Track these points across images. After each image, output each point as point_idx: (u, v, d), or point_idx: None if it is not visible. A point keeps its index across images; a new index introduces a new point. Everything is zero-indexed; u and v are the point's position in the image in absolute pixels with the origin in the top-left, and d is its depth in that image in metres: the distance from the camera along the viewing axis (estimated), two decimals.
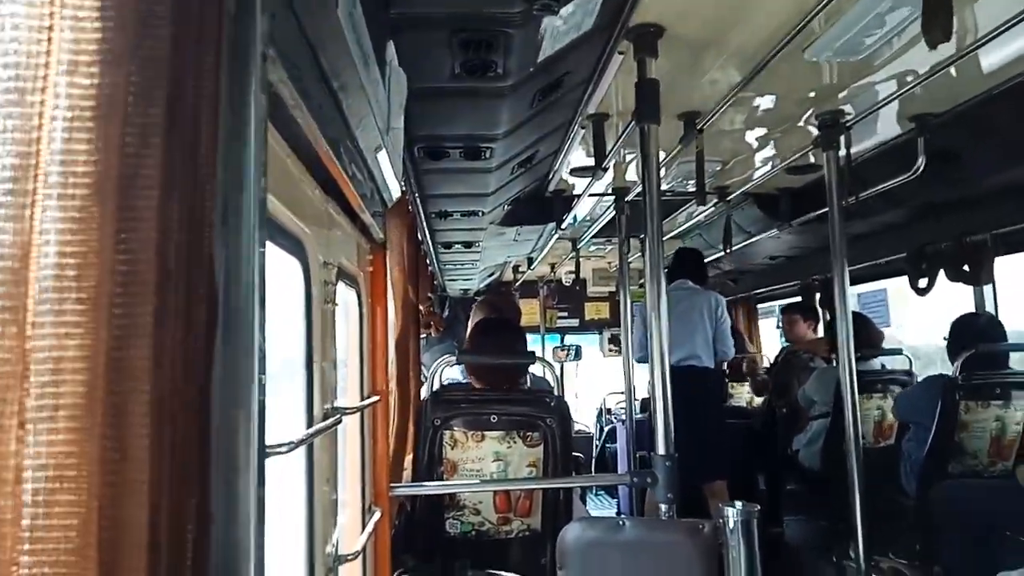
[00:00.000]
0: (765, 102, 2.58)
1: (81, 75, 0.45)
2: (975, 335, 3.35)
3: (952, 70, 2.20)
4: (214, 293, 0.59)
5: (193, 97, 0.52)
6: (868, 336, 4.03)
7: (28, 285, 0.44)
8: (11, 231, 0.43)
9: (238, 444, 0.72)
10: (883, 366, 4.17)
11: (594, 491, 6.73)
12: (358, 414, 1.76)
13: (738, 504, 1.57)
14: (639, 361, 4.07)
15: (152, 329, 0.48)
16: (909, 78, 2.30)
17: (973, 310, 3.74)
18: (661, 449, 1.87)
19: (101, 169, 0.46)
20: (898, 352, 4.19)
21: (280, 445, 0.97)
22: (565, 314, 7.74)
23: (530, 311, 7.34)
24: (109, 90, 0.46)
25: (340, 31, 1.02)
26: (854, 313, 3.98)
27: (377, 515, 1.78)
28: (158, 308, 0.49)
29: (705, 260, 5.25)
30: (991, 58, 2.16)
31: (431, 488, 2.30)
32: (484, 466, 2.31)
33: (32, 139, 0.44)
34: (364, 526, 1.72)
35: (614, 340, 7.16)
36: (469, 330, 3.34)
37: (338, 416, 1.40)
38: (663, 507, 1.84)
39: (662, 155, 2.90)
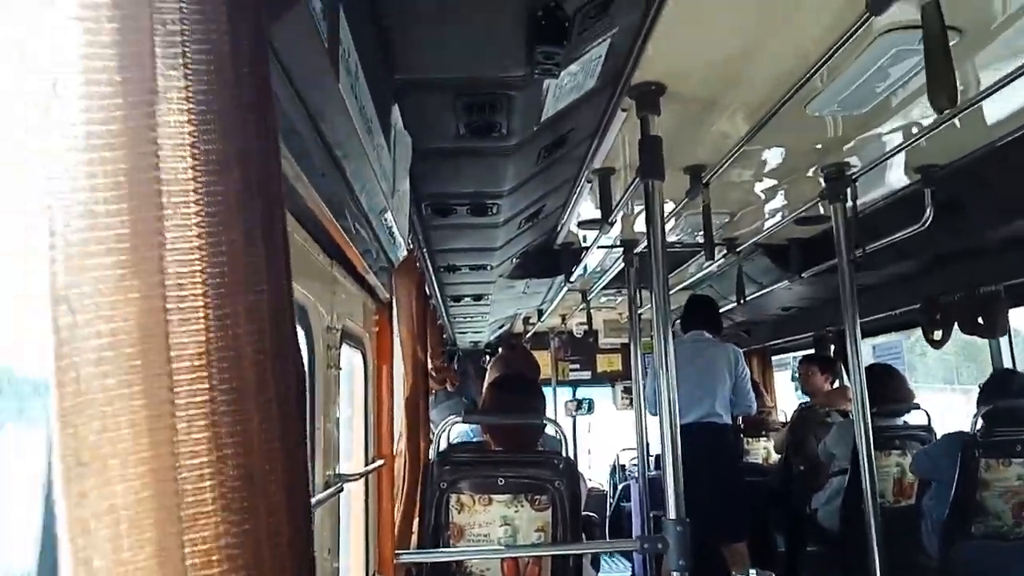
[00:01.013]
0: (770, 155, 2.59)
1: (210, 183, 0.48)
2: (1002, 391, 3.27)
3: (956, 122, 2.20)
4: (299, 373, 0.62)
5: (268, 196, 0.54)
6: (898, 390, 3.90)
7: (210, 380, 0.47)
8: (189, 332, 0.46)
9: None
10: (904, 422, 4.05)
11: (609, 553, 6.55)
12: (362, 479, 1.72)
13: (753, 572, 1.52)
14: (652, 414, 3.98)
15: (277, 410, 0.51)
16: (914, 130, 2.30)
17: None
18: (672, 513, 1.82)
19: (230, 269, 0.49)
20: (916, 407, 4.07)
21: None
22: (577, 366, 7.67)
23: (541, 363, 7.28)
24: (226, 197, 0.49)
25: (341, 102, 1.03)
26: (881, 365, 3.92)
27: None
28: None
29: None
30: (996, 110, 2.17)
31: (438, 555, 2.24)
32: (491, 531, 2.25)
33: (193, 247, 0.47)
34: None
35: (627, 392, 7.07)
36: (486, 387, 3.29)
37: (340, 484, 1.37)
38: (675, 575, 1.77)
39: (669, 207, 2.91)
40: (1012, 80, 1.85)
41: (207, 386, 0.46)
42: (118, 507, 0.43)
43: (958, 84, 1.94)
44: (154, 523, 0.44)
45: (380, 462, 1.78)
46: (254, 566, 0.46)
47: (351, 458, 1.76)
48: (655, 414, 3.92)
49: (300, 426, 0.54)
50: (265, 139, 0.53)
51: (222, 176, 0.48)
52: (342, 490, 1.39)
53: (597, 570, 3.55)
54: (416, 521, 2.39)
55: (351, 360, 1.84)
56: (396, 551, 1.86)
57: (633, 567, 5.45)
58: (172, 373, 0.45)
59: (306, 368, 1.33)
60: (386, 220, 1.54)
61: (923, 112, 2.16)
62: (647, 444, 4.04)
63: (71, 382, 0.43)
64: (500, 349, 5.99)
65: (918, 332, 3.83)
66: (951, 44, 1.68)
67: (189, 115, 0.47)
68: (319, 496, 1.27)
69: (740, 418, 5.56)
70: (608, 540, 5.81)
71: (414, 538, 2.43)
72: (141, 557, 0.43)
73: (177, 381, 0.45)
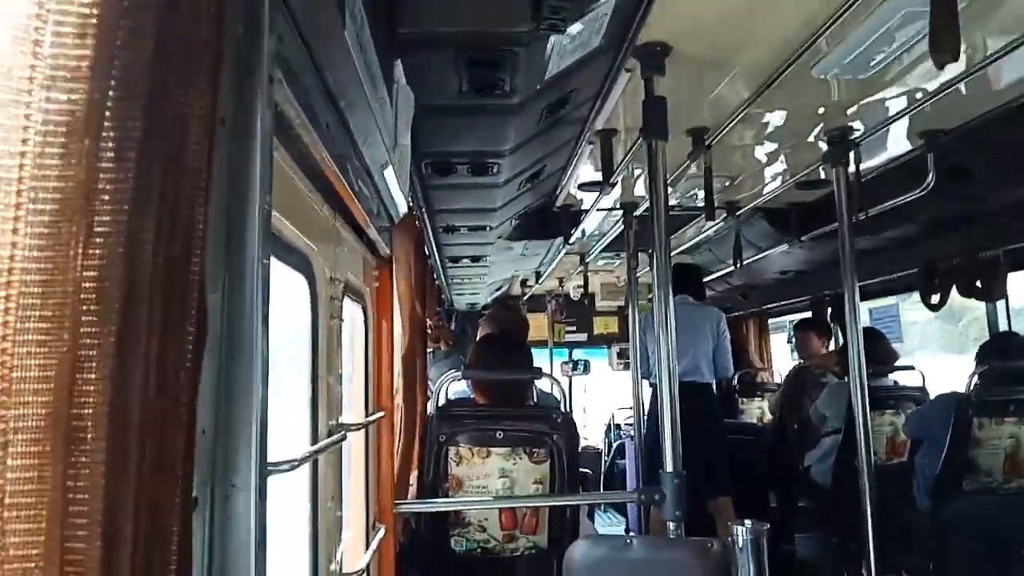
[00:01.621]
0: (773, 118, 2.58)
1: (60, 90, 0.45)
2: (1000, 353, 3.32)
3: (962, 87, 2.19)
4: (202, 309, 0.59)
5: (176, 114, 0.52)
6: (882, 352, 4.00)
7: (8, 302, 0.43)
8: None
9: (238, 462, 0.72)
10: (896, 382, 4.13)
11: (603, 508, 6.68)
12: (363, 430, 1.76)
13: (747, 522, 1.56)
14: (644, 376, 4.06)
15: (115, 348, 0.47)
16: (918, 95, 2.29)
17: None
18: (669, 466, 1.86)
19: (74, 184, 0.45)
20: (910, 368, 4.15)
21: (283, 463, 0.96)
22: (573, 328, 7.71)
23: (538, 325, 7.32)
24: (84, 106, 0.45)
25: (347, 52, 1.02)
26: (868, 329, 3.97)
27: (382, 532, 1.77)
28: (122, 327, 0.48)
29: (715, 275, 5.25)
30: (1001, 75, 2.15)
31: (436, 505, 2.29)
32: (490, 483, 2.30)
33: (15, 152, 0.43)
34: (368, 543, 1.72)
35: (623, 355, 7.13)
36: (474, 345, 3.33)
37: (343, 432, 1.40)
38: (671, 525, 1.82)
39: (670, 170, 2.90)
40: (1017, 45, 1.84)
41: (2, 307, 0.43)
42: None
43: (965, 48, 1.95)
44: None
45: (380, 414, 1.82)
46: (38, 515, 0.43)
47: (352, 411, 1.79)
48: (647, 376, 4.01)
49: (193, 375, 0.52)
50: (188, 54, 0.50)
51: (74, 84, 0.45)
52: (344, 438, 1.42)
53: (592, 523, 3.63)
54: (415, 474, 2.43)
55: (352, 315, 1.86)
56: (395, 501, 1.90)
57: (627, 521, 5.57)
58: None
59: (309, 318, 1.35)
60: (387, 176, 1.54)
61: (928, 76, 2.15)
62: (643, 403, 4.11)
63: None
64: (491, 309, 6.01)
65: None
66: (960, 7, 1.68)
67: (41, 9, 0.43)
68: (323, 443, 1.29)
69: (735, 379, 5.67)
70: (605, 492, 5.91)
71: (412, 491, 2.48)
72: None
73: None
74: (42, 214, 0.43)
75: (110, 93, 0.47)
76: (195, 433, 0.58)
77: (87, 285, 0.46)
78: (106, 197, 0.46)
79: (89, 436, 0.45)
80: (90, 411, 0.46)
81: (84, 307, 0.45)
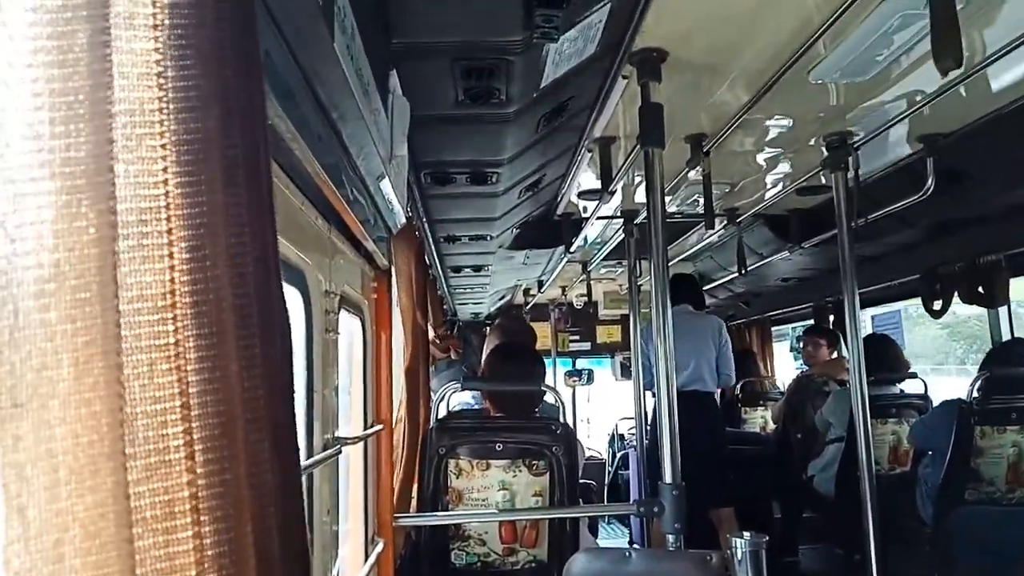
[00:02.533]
0: (772, 124, 2.57)
1: (188, 120, 0.46)
2: (1005, 361, 3.29)
3: (961, 89, 2.18)
4: (287, 320, 0.60)
5: (252, 135, 0.52)
6: (894, 360, 3.96)
7: (176, 322, 0.44)
8: (151, 271, 0.44)
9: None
10: (901, 391, 4.10)
11: (606, 520, 6.64)
12: (362, 443, 1.74)
13: (746, 535, 1.54)
14: (646, 387, 4.05)
15: (261, 359, 0.49)
16: (917, 98, 2.28)
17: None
18: (668, 477, 1.84)
19: (209, 209, 0.46)
20: (912, 376, 4.12)
21: None
22: (577, 338, 7.69)
23: (541, 335, 7.30)
24: (203, 132, 0.47)
25: (337, 63, 1.02)
26: (879, 336, 3.96)
27: (380, 546, 1.75)
28: (264, 338, 0.50)
29: (717, 282, 5.23)
30: (1000, 77, 2.14)
31: (435, 518, 2.27)
32: (490, 495, 2.28)
33: (158, 181, 0.44)
34: (367, 557, 1.70)
35: (626, 364, 7.11)
36: (485, 355, 3.32)
37: (338, 447, 1.39)
38: (670, 538, 1.80)
39: (670, 178, 2.90)
40: (1016, 46, 1.83)
41: (171, 328, 0.43)
42: (56, 452, 0.40)
43: (964, 50, 1.94)
44: (97, 471, 0.41)
45: (378, 427, 1.80)
46: (234, 517, 0.44)
47: (350, 423, 1.78)
48: (649, 387, 4.00)
49: (286, 375, 0.52)
50: (248, 77, 0.51)
51: (198, 112, 0.45)
52: (340, 452, 1.40)
53: (595, 535, 3.61)
54: (415, 486, 2.42)
55: (350, 327, 1.85)
56: (395, 514, 1.88)
57: (630, 533, 5.53)
58: (121, 311, 0.42)
59: (303, 332, 1.34)
60: (383, 187, 1.53)
61: (927, 80, 2.14)
62: (646, 413, 4.09)
63: (8, 315, 0.40)
64: (498, 319, 6.00)
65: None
66: (958, 8, 1.67)
67: (157, 43, 0.44)
68: (318, 457, 1.28)
69: (738, 388, 5.66)
70: (605, 504, 5.89)
71: (413, 503, 2.46)
72: (81, 507, 0.40)
73: (130, 321, 0.42)
74: (191, 239, 0.45)
75: (220, 120, 0.48)
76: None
77: (237, 302, 0.47)
78: (232, 219, 0.48)
79: (254, 438, 0.48)
80: (253, 416, 0.48)
81: (238, 322, 0.47)
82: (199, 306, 0.45)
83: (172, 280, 0.44)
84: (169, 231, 0.44)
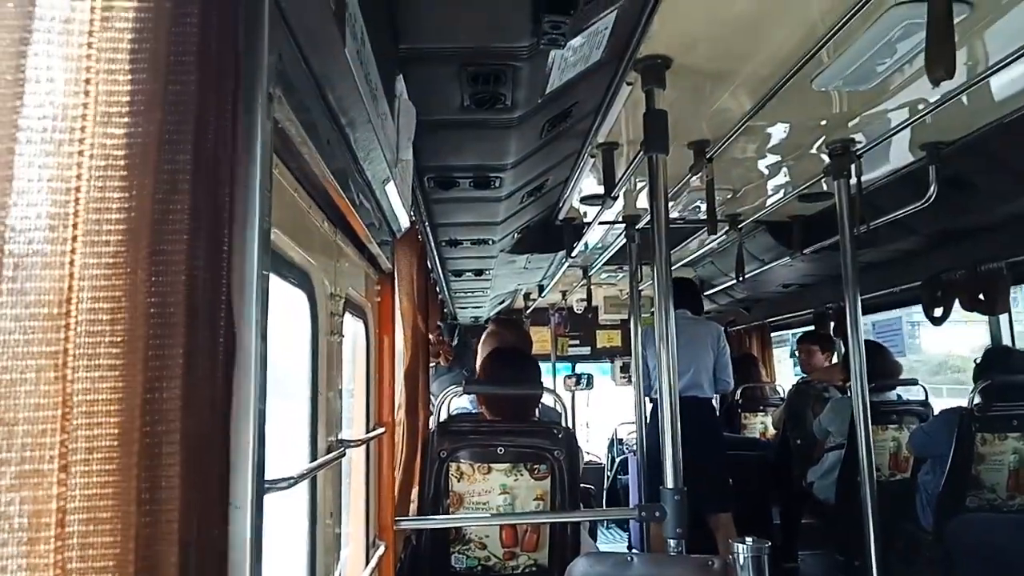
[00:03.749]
0: (775, 131, 2.58)
1: (115, 125, 0.46)
2: (1000, 367, 3.30)
3: (963, 98, 2.19)
4: (231, 329, 0.59)
5: (214, 140, 0.52)
6: (885, 366, 3.98)
7: (68, 330, 0.44)
8: (50, 278, 0.44)
9: (235, 480, 0.71)
10: (899, 397, 4.10)
11: (606, 524, 6.64)
12: (364, 446, 1.75)
13: (748, 540, 1.54)
14: (646, 393, 4.05)
15: (182, 369, 0.49)
16: (920, 107, 2.29)
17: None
18: (670, 482, 1.84)
19: (136, 214, 0.46)
20: (913, 383, 4.12)
21: (281, 480, 0.95)
22: (576, 342, 7.69)
23: (541, 339, 7.31)
24: (142, 138, 0.46)
25: (347, 68, 1.02)
26: (870, 342, 3.96)
27: (381, 549, 1.75)
28: (188, 349, 0.49)
29: (718, 287, 5.24)
30: (1002, 86, 2.15)
31: (437, 522, 2.27)
32: (491, 499, 2.28)
33: (71, 188, 0.44)
34: (368, 560, 1.70)
35: (626, 369, 7.11)
36: (480, 359, 3.32)
37: (342, 449, 1.39)
38: (671, 542, 1.80)
39: (672, 183, 2.90)
40: (1020, 56, 1.84)
41: (62, 336, 0.43)
42: None
43: (966, 60, 1.96)
44: None
45: (381, 430, 1.80)
46: (109, 532, 0.44)
47: (352, 426, 1.78)
48: (648, 392, 4.00)
49: (219, 388, 0.51)
50: (219, 80, 0.50)
51: (135, 118, 0.45)
52: (344, 455, 1.40)
53: (594, 539, 3.60)
54: (416, 490, 2.42)
55: (353, 330, 1.85)
56: (396, 518, 1.88)
57: (629, 537, 5.53)
58: (16, 316, 0.42)
59: (309, 334, 1.34)
60: (388, 191, 1.54)
61: (929, 88, 2.15)
62: (646, 417, 4.09)
63: None
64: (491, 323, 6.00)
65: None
66: (961, 18, 1.68)
67: (90, 49, 0.44)
68: (321, 460, 1.28)
69: (738, 393, 5.66)
70: (606, 508, 5.88)
71: (413, 507, 2.46)
72: None
73: (23, 326, 0.43)
74: (105, 244, 0.45)
75: (164, 126, 0.48)
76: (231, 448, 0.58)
77: (153, 310, 0.47)
78: (166, 226, 0.48)
79: (162, 452, 0.47)
80: (162, 429, 0.47)
81: (151, 330, 0.47)
82: (99, 314, 0.44)
83: (70, 288, 0.43)
84: (74, 238, 0.44)
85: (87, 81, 0.44)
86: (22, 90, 0.43)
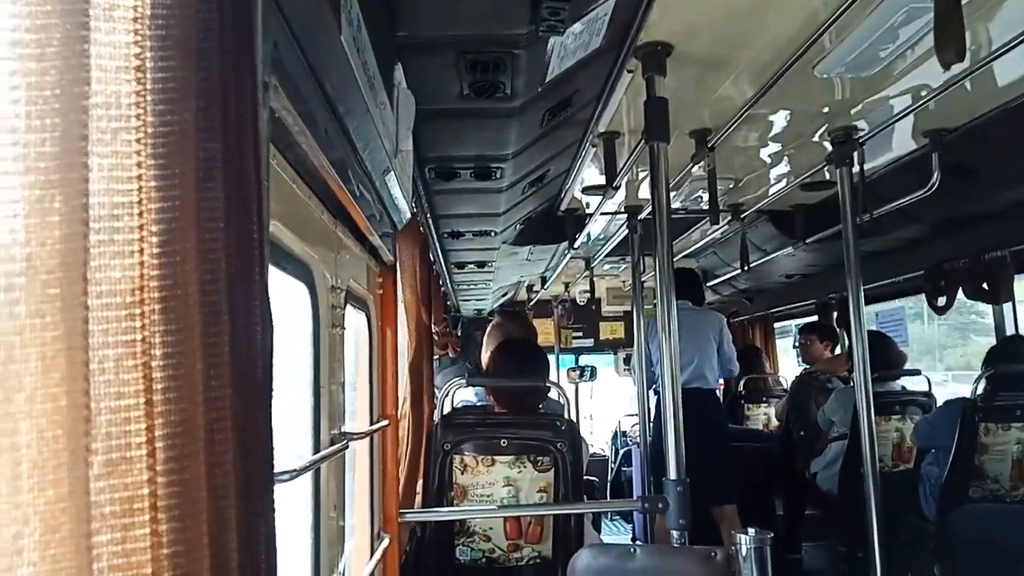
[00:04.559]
0: (777, 119, 2.57)
1: (164, 113, 0.46)
2: (1008, 357, 3.29)
3: (967, 84, 2.17)
4: (268, 314, 0.59)
5: (237, 126, 0.52)
6: (889, 356, 3.97)
7: (144, 318, 0.44)
8: (121, 267, 0.44)
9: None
10: (903, 387, 4.09)
11: (609, 516, 6.65)
12: (367, 438, 1.74)
13: (751, 531, 1.53)
14: (649, 384, 4.05)
15: (229, 357, 0.49)
16: (923, 93, 2.28)
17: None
18: (672, 474, 1.84)
19: (182, 202, 0.46)
20: (916, 373, 4.11)
21: (285, 472, 0.95)
22: (580, 334, 7.69)
23: (544, 331, 7.30)
24: (179, 126, 0.47)
25: (344, 56, 1.01)
26: (875, 333, 3.96)
27: (386, 541, 1.75)
28: (232, 336, 0.50)
29: (720, 278, 5.23)
30: (1006, 72, 2.14)
31: (441, 514, 2.27)
32: (495, 491, 2.28)
33: (132, 176, 0.44)
34: (373, 553, 1.70)
35: (629, 360, 7.11)
36: (489, 351, 3.31)
37: (345, 442, 1.39)
38: (675, 533, 1.80)
39: (674, 173, 2.89)
40: (1022, 41, 1.82)
41: (138, 324, 0.43)
42: (20, 445, 0.40)
43: (970, 44, 1.93)
44: (60, 465, 0.41)
45: (384, 422, 1.80)
46: (191, 516, 0.44)
47: (356, 419, 1.78)
48: (652, 383, 3.99)
49: (259, 375, 0.51)
50: (236, 69, 0.50)
51: (176, 105, 0.45)
52: (347, 447, 1.40)
53: (598, 531, 3.61)
54: (420, 482, 2.42)
55: (356, 322, 1.84)
56: (400, 510, 1.88)
57: (633, 529, 5.54)
58: (90, 307, 0.42)
59: (310, 327, 1.34)
60: (389, 181, 1.53)
61: (932, 74, 2.13)
62: (649, 409, 4.09)
63: None
64: (495, 316, 6.00)
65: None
66: (964, 2, 1.66)
67: (136, 36, 0.44)
68: (325, 452, 1.28)
69: (741, 384, 5.66)
70: (609, 500, 5.90)
71: (418, 499, 2.46)
72: (42, 501, 0.40)
73: (98, 317, 0.42)
74: (158, 234, 0.45)
75: (199, 114, 0.48)
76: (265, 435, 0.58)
77: (205, 299, 0.47)
78: (204, 215, 0.48)
79: (215, 439, 0.47)
80: (214, 416, 0.47)
81: (204, 319, 0.47)
82: (167, 302, 0.45)
83: (142, 276, 0.44)
84: (140, 227, 0.44)
85: (137, 68, 0.45)
86: (88, 75, 0.43)
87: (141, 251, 0.44)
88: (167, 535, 0.44)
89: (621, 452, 6.51)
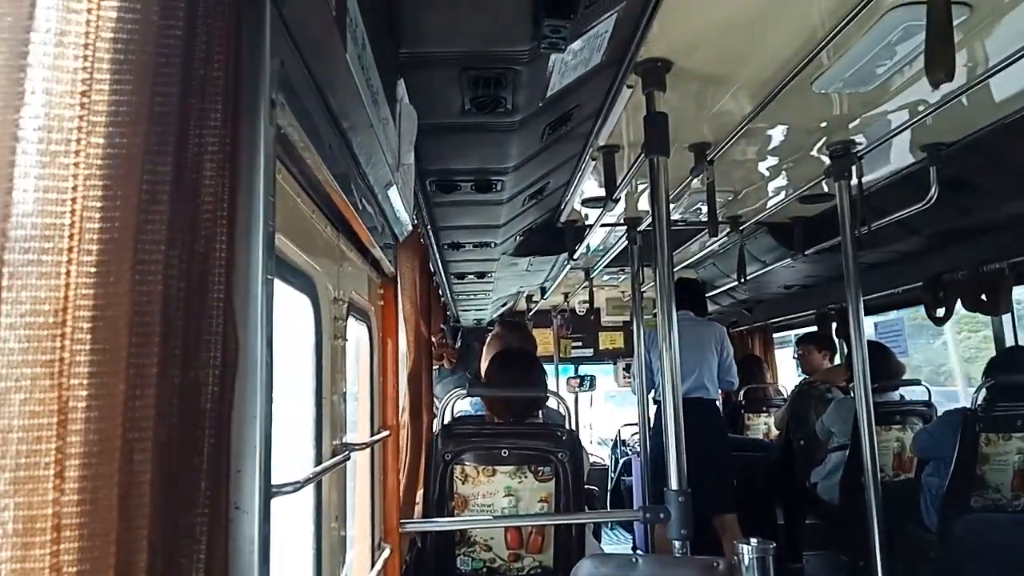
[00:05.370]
0: (775, 133, 2.59)
1: (105, 135, 0.47)
2: (1008, 368, 3.30)
3: (963, 99, 2.19)
4: (228, 335, 0.60)
5: (196, 148, 0.52)
6: (888, 367, 3.98)
7: (64, 339, 0.44)
8: (47, 287, 0.44)
9: (241, 484, 0.72)
10: (902, 397, 4.10)
11: (609, 526, 6.63)
12: (368, 449, 1.75)
13: (754, 541, 1.54)
14: (650, 395, 4.05)
15: (156, 379, 0.49)
16: (920, 108, 2.30)
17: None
18: (674, 484, 1.85)
19: (120, 224, 0.47)
20: (916, 383, 4.12)
21: (287, 484, 0.96)
22: (579, 344, 7.70)
23: (544, 341, 7.31)
24: (127, 149, 0.47)
25: (349, 73, 1.03)
26: (874, 343, 3.97)
27: (387, 552, 1.76)
28: (162, 357, 0.49)
29: (719, 289, 5.24)
30: (1002, 87, 2.16)
31: (441, 524, 2.27)
32: (495, 501, 2.28)
33: (67, 199, 0.45)
34: (374, 563, 1.70)
35: (628, 370, 7.11)
36: (486, 362, 3.32)
37: (347, 453, 1.40)
38: (676, 543, 1.81)
39: (673, 186, 2.91)
40: (1019, 58, 1.85)
41: (58, 344, 0.44)
42: None
43: (967, 61, 1.96)
44: None
45: (386, 433, 1.81)
46: (99, 536, 0.44)
47: (357, 429, 1.79)
48: (652, 393, 4.00)
49: (198, 398, 0.51)
50: (203, 92, 0.50)
51: (124, 129, 0.46)
52: (349, 458, 1.41)
53: (599, 541, 3.60)
54: (420, 493, 2.42)
55: (357, 333, 1.86)
56: (401, 520, 1.89)
57: (633, 538, 5.53)
58: (12, 325, 0.43)
59: (312, 338, 1.35)
60: (391, 195, 1.55)
61: (929, 90, 2.15)
62: (649, 419, 4.09)
63: None
64: (494, 327, 6.01)
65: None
66: (960, 20, 1.68)
67: (85, 61, 0.44)
68: (327, 463, 1.29)
69: (741, 394, 5.66)
70: (610, 510, 5.88)
71: (418, 509, 2.47)
72: None
73: (19, 335, 0.43)
74: (91, 254, 0.45)
75: (152, 138, 0.49)
76: (225, 454, 0.59)
77: (135, 319, 0.47)
78: (146, 236, 0.48)
79: (138, 459, 0.47)
80: (138, 435, 0.47)
81: (133, 339, 0.47)
82: (94, 322, 0.45)
83: (66, 297, 0.44)
84: (70, 248, 0.45)
85: (83, 93, 0.45)
86: (21, 102, 0.44)
87: (68, 272, 0.44)
88: (69, 555, 0.43)
89: (621, 461, 6.51)
